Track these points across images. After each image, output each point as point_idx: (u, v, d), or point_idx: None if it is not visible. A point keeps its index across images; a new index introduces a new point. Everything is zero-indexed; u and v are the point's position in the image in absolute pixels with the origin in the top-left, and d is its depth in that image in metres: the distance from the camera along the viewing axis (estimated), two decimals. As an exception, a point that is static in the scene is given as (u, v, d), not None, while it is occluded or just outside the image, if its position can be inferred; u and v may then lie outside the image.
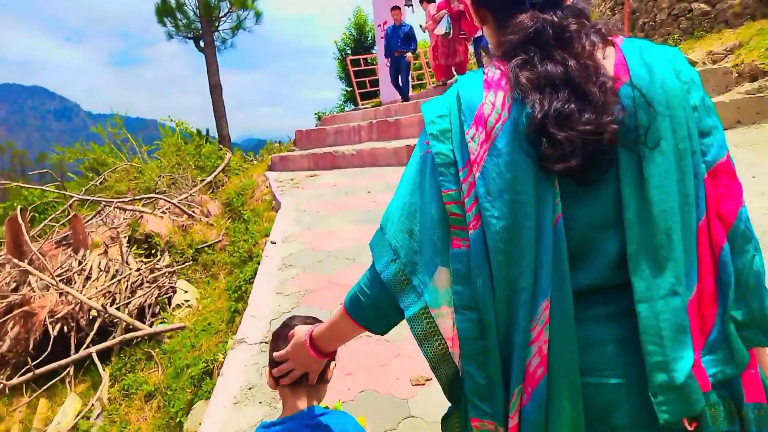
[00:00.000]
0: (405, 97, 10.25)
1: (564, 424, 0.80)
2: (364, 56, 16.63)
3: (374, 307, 0.97)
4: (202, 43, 16.32)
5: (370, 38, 20.12)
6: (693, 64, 7.11)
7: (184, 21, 16.55)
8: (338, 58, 21.84)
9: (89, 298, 4.71)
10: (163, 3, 16.44)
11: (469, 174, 0.84)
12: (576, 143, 0.76)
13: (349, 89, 19.31)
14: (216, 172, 8.45)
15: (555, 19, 0.84)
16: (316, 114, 18.50)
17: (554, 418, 0.80)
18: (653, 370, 0.78)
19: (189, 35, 16.61)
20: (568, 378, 0.80)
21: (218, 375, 3.07)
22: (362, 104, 13.79)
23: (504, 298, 0.82)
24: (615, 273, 0.83)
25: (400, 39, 9.75)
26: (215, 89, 15.75)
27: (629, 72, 0.82)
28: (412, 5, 12.28)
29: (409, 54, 9.89)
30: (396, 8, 9.83)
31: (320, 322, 1.16)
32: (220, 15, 16.70)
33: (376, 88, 13.85)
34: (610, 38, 0.86)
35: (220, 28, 16.69)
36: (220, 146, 11.95)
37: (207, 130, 15.57)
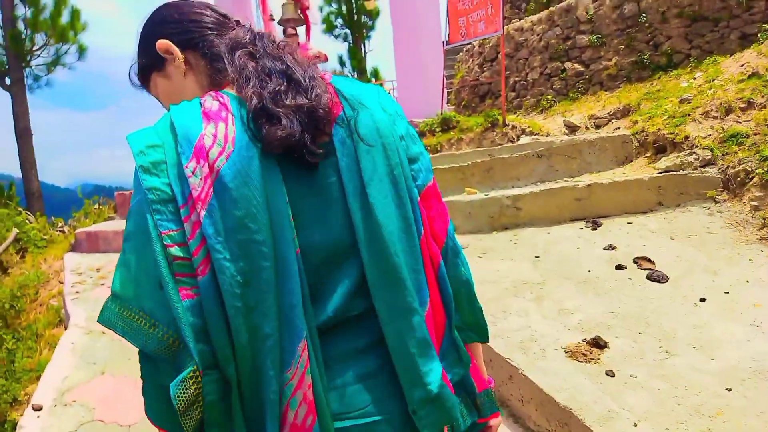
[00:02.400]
0: None
1: None
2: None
3: (166, 400, 0.70)
4: (8, 81, 13.52)
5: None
6: (575, 128, 6.60)
7: (-15, 54, 13.66)
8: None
9: None
10: (-42, 30, 13.46)
11: (192, 212, 0.72)
12: (292, 117, 0.77)
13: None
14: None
15: (257, 31, 0.91)
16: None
17: None
18: (410, 387, 0.79)
19: (-8, 70, 13.72)
20: (332, 421, 0.76)
21: None
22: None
23: (247, 349, 0.72)
24: (354, 302, 0.82)
25: None
26: (24, 134, 13.00)
27: (336, 86, 0.86)
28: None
29: None
30: None
31: None
32: (34, 49, 14.06)
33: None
34: (320, 74, 0.89)
35: (32, 63, 14.02)
36: (21, 209, 9.46)
37: (10, 185, 12.80)
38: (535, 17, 8.01)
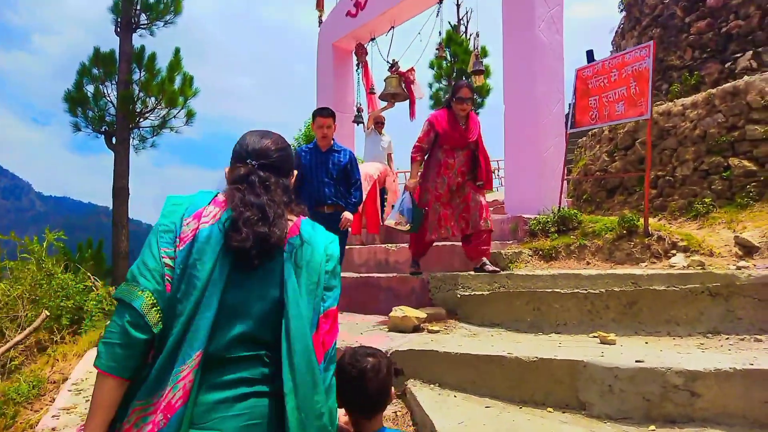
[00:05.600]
0: None
1: None
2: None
3: (125, 337, 1.24)
4: (114, 140, 13.76)
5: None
6: (753, 249, 4.83)
7: (98, 113, 14.08)
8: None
9: None
10: (76, 89, 14.03)
11: (179, 244, 1.31)
12: (251, 235, 1.30)
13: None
14: (17, 339, 5.34)
15: (262, 173, 1.46)
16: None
17: None
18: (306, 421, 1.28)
19: (101, 129, 14.07)
20: (188, 417, 1.18)
21: None
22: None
23: (160, 332, 1.26)
24: (234, 348, 1.28)
25: (330, 177, 4.72)
26: (119, 194, 12.95)
27: (300, 230, 1.43)
28: (362, 120, 10.06)
29: (347, 216, 4.73)
30: (325, 113, 4.75)
31: None
32: (145, 111, 14.34)
33: (312, 214, 11.35)
34: (296, 215, 1.50)
35: (141, 125, 14.26)
36: (90, 274, 8.92)
37: (99, 243, 12.69)
38: (687, 100, 6.43)
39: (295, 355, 1.26)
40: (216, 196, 1.41)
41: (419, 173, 4.84)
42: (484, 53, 23.49)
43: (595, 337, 3.74)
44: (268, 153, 1.50)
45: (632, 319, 3.81)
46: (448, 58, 22.01)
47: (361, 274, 5.62)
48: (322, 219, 4.51)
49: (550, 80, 6.49)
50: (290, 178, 1.58)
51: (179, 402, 1.16)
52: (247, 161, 1.47)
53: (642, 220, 5.17)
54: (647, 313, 3.76)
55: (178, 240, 1.30)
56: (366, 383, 1.65)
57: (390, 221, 4.68)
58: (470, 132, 4.86)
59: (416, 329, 4.19)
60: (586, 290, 3.98)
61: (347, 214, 4.73)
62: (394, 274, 5.39)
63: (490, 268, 4.76)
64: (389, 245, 6.49)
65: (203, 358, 1.20)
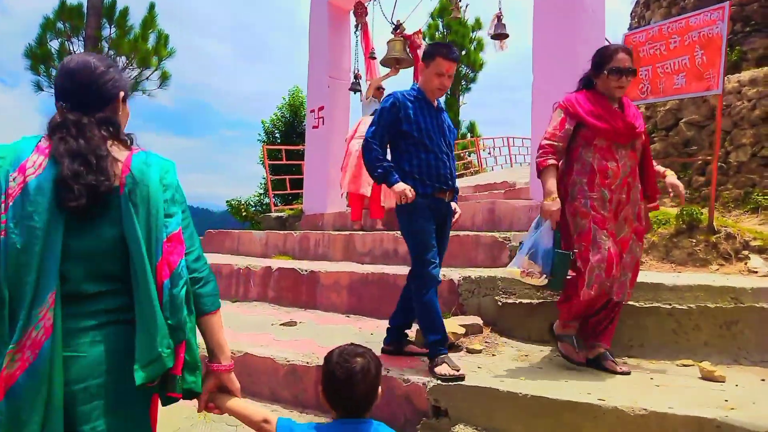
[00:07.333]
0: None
1: (57, 372, 1.27)
2: (288, 147, 13.15)
3: None
4: (80, 102, 12.52)
5: (305, 125, 16.92)
6: None
7: (63, 72, 12.77)
8: (263, 141, 18.53)
9: None
10: (39, 45, 12.70)
11: (5, 200, 1.30)
12: (83, 191, 1.31)
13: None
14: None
15: (72, 116, 1.41)
16: (228, 203, 14.61)
17: (55, 368, 1.27)
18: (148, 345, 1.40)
19: (66, 90, 12.79)
20: (59, 345, 1.28)
21: None
22: (275, 210, 10.21)
23: (13, 285, 1.27)
24: (87, 285, 1.37)
25: (449, 147, 3.21)
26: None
27: (131, 168, 1.41)
28: (359, 88, 9.06)
29: (459, 211, 3.32)
30: (451, 56, 3.04)
31: None
32: (115, 71, 13.07)
33: (299, 191, 10.36)
34: (131, 147, 1.48)
35: (110, 86, 13.00)
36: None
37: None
38: (744, 76, 5.62)
39: (139, 291, 1.38)
40: (39, 142, 1.41)
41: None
42: (478, 25, 22.47)
43: (685, 365, 2.96)
44: (77, 91, 1.48)
45: (730, 343, 3.03)
46: (456, 21, 20.91)
47: (373, 271, 4.73)
48: (441, 211, 3.15)
49: (591, 49, 5.60)
50: (115, 103, 1.51)
51: (43, 337, 1.27)
52: (60, 102, 1.48)
53: (707, 215, 4.38)
54: (751, 337, 2.99)
55: (3, 196, 1.32)
56: (354, 385, 1.58)
57: (513, 268, 2.91)
58: (635, 119, 3.00)
59: (452, 347, 3.35)
60: (669, 305, 3.18)
61: (458, 209, 3.31)
62: (414, 271, 4.52)
63: (619, 368, 2.90)
64: (397, 232, 5.61)
65: (57, 297, 1.30)
